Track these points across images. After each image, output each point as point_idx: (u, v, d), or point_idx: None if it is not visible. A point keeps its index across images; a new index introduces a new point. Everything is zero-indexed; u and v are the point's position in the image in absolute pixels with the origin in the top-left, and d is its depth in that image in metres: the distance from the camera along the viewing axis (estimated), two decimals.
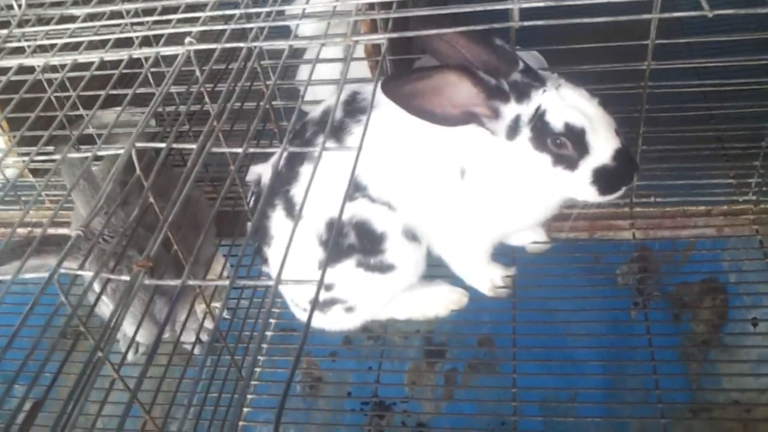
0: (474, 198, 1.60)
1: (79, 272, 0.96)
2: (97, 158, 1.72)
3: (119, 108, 1.35)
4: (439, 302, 1.89)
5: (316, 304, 0.96)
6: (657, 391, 1.63)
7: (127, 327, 1.55)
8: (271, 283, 0.90)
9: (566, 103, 1.42)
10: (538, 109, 1.43)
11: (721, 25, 1.53)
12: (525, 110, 1.44)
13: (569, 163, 1.45)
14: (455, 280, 1.90)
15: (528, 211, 1.67)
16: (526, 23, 1.27)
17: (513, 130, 1.46)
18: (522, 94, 1.44)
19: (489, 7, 1.29)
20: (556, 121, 1.41)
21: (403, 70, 1.38)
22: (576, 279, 1.91)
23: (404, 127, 1.53)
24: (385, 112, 1.48)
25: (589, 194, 1.48)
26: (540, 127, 1.43)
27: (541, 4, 1.25)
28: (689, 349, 1.83)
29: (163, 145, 1.14)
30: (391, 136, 1.56)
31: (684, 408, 1.70)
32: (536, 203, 1.64)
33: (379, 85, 1.37)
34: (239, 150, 1.13)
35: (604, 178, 1.46)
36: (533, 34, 1.47)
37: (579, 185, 1.47)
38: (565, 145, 1.42)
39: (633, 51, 1.64)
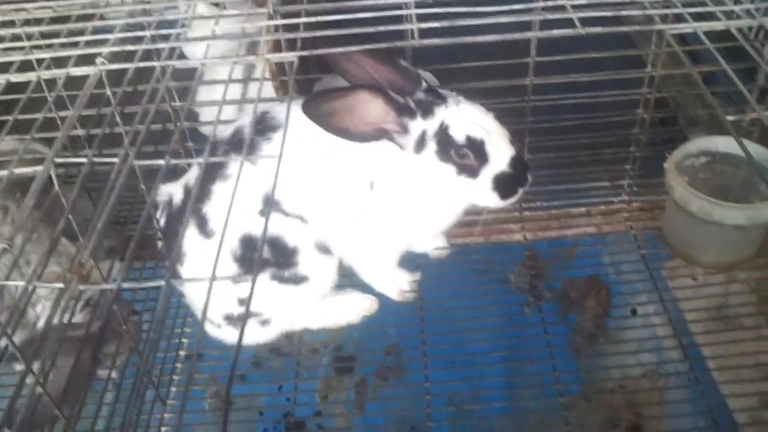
0: (383, 208, 1.70)
1: (7, 283, 0.96)
2: None
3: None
4: (351, 309, 1.95)
5: (249, 304, 0.99)
6: (558, 385, 1.75)
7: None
8: (161, 282, 0.93)
9: (466, 118, 1.56)
10: (442, 124, 1.56)
11: (591, 43, 1.72)
12: (430, 125, 1.57)
13: (471, 171, 1.58)
14: (364, 288, 1.97)
15: (434, 219, 1.79)
16: (424, 41, 1.38)
17: (420, 144, 1.59)
18: (427, 110, 1.57)
19: (391, 27, 1.39)
20: (459, 134, 1.56)
21: (320, 92, 1.45)
22: (474, 281, 2.02)
23: (315, 143, 1.61)
24: (297, 129, 1.55)
25: (491, 200, 1.63)
26: (444, 140, 1.56)
27: (437, 25, 1.37)
28: (578, 340, 1.96)
29: (84, 159, 1.16)
30: (302, 152, 1.63)
31: (579, 396, 1.81)
32: (441, 211, 1.76)
33: (299, 106, 1.46)
34: (161, 162, 1.16)
35: (503, 184, 1.60)
36: (427, 53, 1.59)
37: (481, 192, 1.61)
38: (467, 156, 1.56)
39: (514, 69, 1.81)
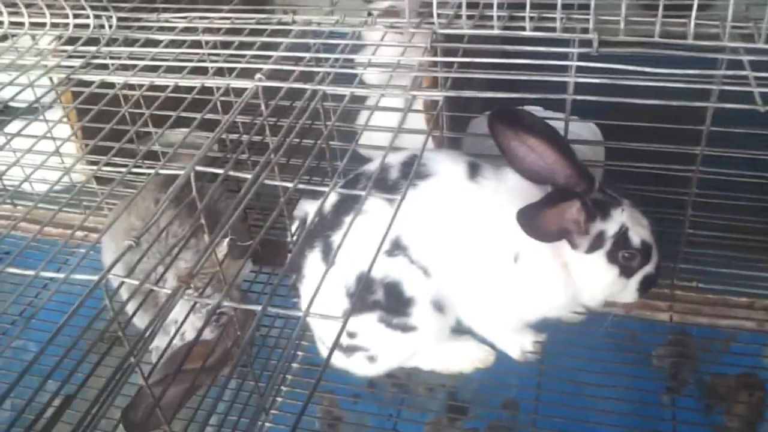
0: (522, 283, 1.64)
1: (126, 280, 1.01)
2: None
3: (186, 129, 1.44)
4: (465, 358, 1.89)
5: (335, 346, 0.99)
6: None
7: (159, 341, 1.60)
8: (299, 313, 0.94)
9: (639, 222, 1.58)
10: (622, 226, 1.55)
11: None
12: (609, 227, 1.56)
13: (630, 273, 1.60)
14: (482, 337, 1.89)
15: (571, 304, 1.73)
16: (579, 97, 1.30)
17: (595, 244, 1.56)
18: (605, 212, 1.55)
19: (547, 78, 1.33)
20: (636, 238, 1.56)
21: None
22: (607, 354, 1.88)
23: (461, 201, 1.59)
24: (444, 181, 1.57)
25: (632, 297, 1.66)
26: (621, 242, 1.55)
27: (596, 81, 1.29)
28: None
29: (221, 171, 1.20)
30: (445, 207, 1.60)
31: None
32: (581, 300, 1.70)
33: (450, 155, 1.54)
34: (290, 184, 1.18)
35: (647, 284, 1.64)
36: (590, 106, 1.51)
37: (629, 290, 1.64)
38: (635, 258, 1.58)
39: (685, 133, 1.68)
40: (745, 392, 1.88)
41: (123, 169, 1.37)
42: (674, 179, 1.75)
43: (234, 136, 1.77)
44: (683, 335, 1.99)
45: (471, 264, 1.63)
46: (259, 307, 0.98)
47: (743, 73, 1.30)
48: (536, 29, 1.45)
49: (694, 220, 1.85)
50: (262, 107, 1.52)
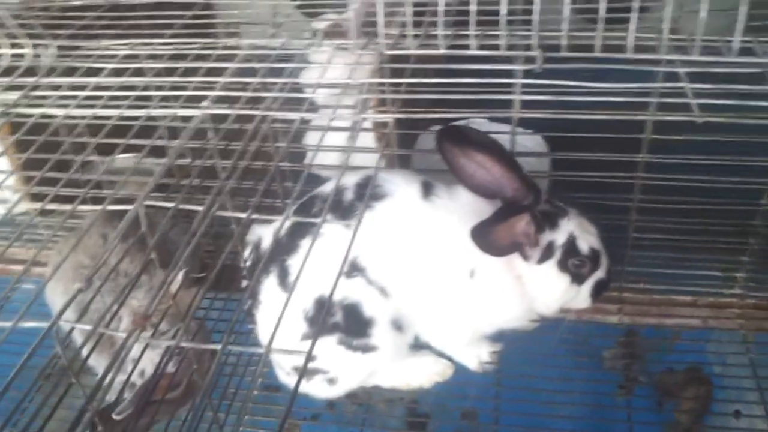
0: (479, 298, 1.66)
1: (79, 325, 0.98)
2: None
3: (130, 154, 1.41)
4: (424, 373, 1.91)
5: (299, 383, 0.98)
6: None
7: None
8: (261, 350, 0.93)
9: (586, 230, 1.62)
10: (570, 235, 1.59)
11: (716, 126, 1.60)
12: (558, 237, 1.60)
13: (581, 280, 1.63)
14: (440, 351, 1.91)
15: (529, 315, 1.75)
16: (526, 114, 1.33)
17: (545, 255, 1.60)
18: (553, 223, 1.59)
19: (493, 96, 1.36)
20: (584, 245, 1.60)
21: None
22: (562, 359, 1.93)
23: (416, 220, 1.61)
24: (399, 202, 1.59)
25: (585, 303, 1.69)
26: (570, 251, 1.59)
27: (542, 98, 1.32)
28: None
29: (171, 204, 1.18)
30: (401, 227, 1.61)
31: None
32: (535, 311, 1.73)
33: (404, 176, 1.56)
34: (243, 215, 1.17)
35: (599, 289, 1.67)
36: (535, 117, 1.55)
37: (581, 297, 1.67)
38: (584, 265, 1.61)
39: (628, 142, 1.73)
40: (693, 387, 1.94)
41: (68, 205, 1.32)
42: (618, 186, 1.80)
43: (184, 162, 1.74)
44: (632, 336, 2.06)
45: (429, 282, 1.64)
46: (218, 346, 0.97)
47: (680, 85, 1.34)
48: (481, 47, 1.48)
49: (638, 224, 1.91)
50: (211, 134, 1.50)
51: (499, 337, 1.94)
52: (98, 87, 1.60)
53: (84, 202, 1.34)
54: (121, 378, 1.49)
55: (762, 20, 1.49)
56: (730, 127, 1.57)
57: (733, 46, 1.41)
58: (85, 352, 1.34)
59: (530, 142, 2.31)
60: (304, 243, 1.60)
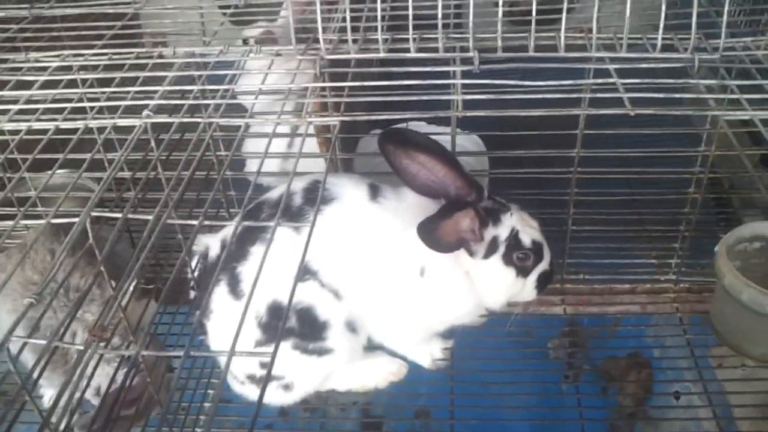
0: (430, 296, 1.69)
1: (31, 340, 0.96)
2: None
3: (64, 171, 1.37)
4: (379, 374, 1.91)
5: (265, 387, 0.98)
6: None
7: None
8: (225, 351, 0.92)
9: (528, 224, 1.66)
10: (512, 229, 1.63)
11: (644, 120, 1.69)
12: (501, 232, 1.64)
13: (526, 272, 1.67)
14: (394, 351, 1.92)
15: (478, 310, 1.79)
16: (467, 113, 1.37)
17: (490, 249, 1.64)
18: (496, 218, 1.63)
19: (435, 97, 1.39)
20: (526, 238, 1.64)
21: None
22: (510, 352, 1.96)
23: (365, 222, 1.62)
24: (347, 204, 1.61)
25: (531, 295, 1.73)
26: (513, 244, 1.63)
27: (482, 97, 1.35)
28: (617, 422, 1.89)
29: (118, 215, 1.16)
30: (350, 229, 1.62)
31: None
32: (485, 305, 1.77)
33: (351, 179, 1.59)
34: (195, 222, 1.16)
35: (544, 281, 1.72)
36: (473, 119, 1.59)
37: (528, 289, 1.71)
38: (528, 258, 1.65)
39: (563, 138, 1.80)
40: (634, 371, 2.02)
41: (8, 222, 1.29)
42: (555, 181, 1.87)
43: (125, 175, 1.70)
44: (575, 325, 2.12)
45: (380, 282, 1.66)
46: (180, 354, 0.96)
47: (611, 80, 1.40)
48: (420, 50, 1.51)
49: (576, 217, 1.98)
50: (152, 143, 1.48)
51: (450, 333, 1.98)
52: (30, 100, 1.55)
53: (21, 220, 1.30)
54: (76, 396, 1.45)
55: (678, 19, 1.57)
56: (658, 119, 1.66)
57: (656, 43, 1.47)
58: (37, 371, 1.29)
59: (468, 142, 2.36)
60: (254, 249, 1.59)
